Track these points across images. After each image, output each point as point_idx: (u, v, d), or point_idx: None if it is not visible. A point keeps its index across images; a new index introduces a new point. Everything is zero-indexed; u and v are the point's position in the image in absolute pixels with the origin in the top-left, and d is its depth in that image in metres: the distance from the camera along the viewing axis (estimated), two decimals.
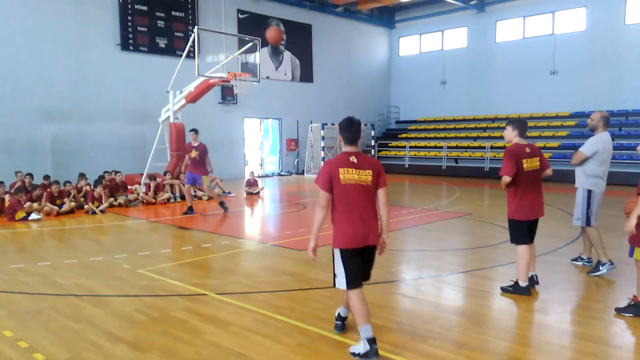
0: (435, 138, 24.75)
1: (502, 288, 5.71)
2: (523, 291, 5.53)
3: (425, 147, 24.29)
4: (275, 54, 22.92)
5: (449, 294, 5.78)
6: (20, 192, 11.08)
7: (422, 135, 25.67)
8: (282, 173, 23.07)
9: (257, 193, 15.41)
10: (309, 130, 23.23)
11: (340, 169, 4.09)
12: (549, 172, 5.75)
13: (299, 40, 23.77)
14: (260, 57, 22.10)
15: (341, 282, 4.20)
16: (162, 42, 18.86)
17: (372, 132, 24.85)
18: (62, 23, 16.46)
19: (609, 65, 20.73)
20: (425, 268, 6.83)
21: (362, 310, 4.05)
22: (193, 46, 13.82)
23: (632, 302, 4.93)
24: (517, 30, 23.63)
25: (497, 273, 6.53)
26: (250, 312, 5.12)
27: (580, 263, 6.78)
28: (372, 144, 24.90)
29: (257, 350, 4.23)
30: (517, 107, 23.30)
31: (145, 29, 18.51)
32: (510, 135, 5.61)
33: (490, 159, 21.33)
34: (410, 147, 24.50)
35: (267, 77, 22.55)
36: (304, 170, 23.42)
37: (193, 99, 14.14)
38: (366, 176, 4.10)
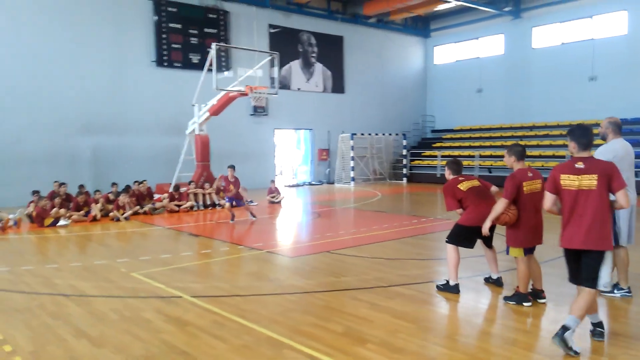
0: (470, 147, 24.42)
1: (437, 286, 6.20)
2: (452, 289, 6.00)
3: (459, 156, 23.98)
4: (307, 66, 23.39)
5: (412, 302, 5.86)
6: (44, 200, 11.92)
7: (457, 144, 25.39)
8: (313, 182, 23.42)
9: (279, 202, 15.79)
10: (339, 140, 23.48)
11: (562, 175, 4.43)
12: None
13: (330, 52, 24.16)
14: (292, 70, 22.78)
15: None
16: (195, 58, 19.70)
17: (404, 141, 24.79)
18: (102, 41, 17.59)
19: None
20: (407, 276, 6.92)
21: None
22: (220, 60, 14.42)
23: (515, 292, 5.60)
24: (555, 36, 23.04)
25: (475, 282, 6.54)
26: (213, 315, 5.43)
27: (619, 295, 5.85)
28: (404, 153, 24.85)
29: (201, 350, 4.52)
30: (554, 115, 22.69)
31: (180, 46, 19.43)
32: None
33: None
34: (442, 156, 24.27)
35: (299, 89, 23.08)
36: (334, 180, 23.67)
37: (216, 111, 14.75)
38: (589, 181, 4.32)
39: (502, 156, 6.59)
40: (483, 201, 5.94)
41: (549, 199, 4.53)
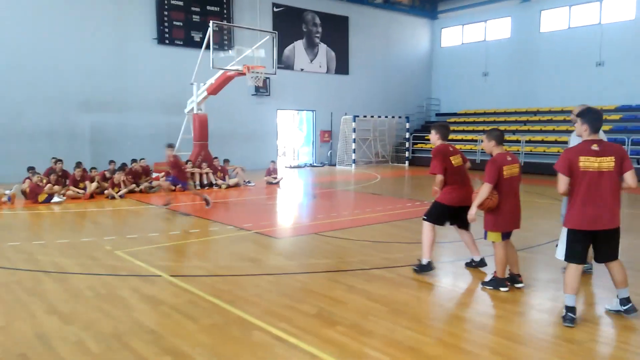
0: (473, 131, 24.15)
1: (413, 269, 6.17)
2: (426, 268, 6.06)
3: (462, 140, 23.75)
4: (311, 46, 23.14)
5: (390, 285, 5.80)
6: (38, 176, 11.95)
7: (461, 128, 25.12)
8: (315, 164, 23.33)
9: (277, 183, 15.75)
10: (342, 122, 23.31)
11: (580, 157, 4.50)
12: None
13: (335, 32, 23.86)
14: (295, 50, 22.55)
15: (559, 253, 4.68)
16: (197, 36, 19.51)
17: (407, 124, 24.58)
18: (103, 18, 17.44)
19: None
20: (389, 259, 6.87)
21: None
22: (223, 39, 14.27)
23: (493, 277, 5.58)
24: (563, 20, 22.59)
25: (455, 267, 6.48)
26: (189, 294, 5.42)
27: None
28: (407, 136, 24.65)
29: (170, 328, 4.51)
30: (561, 100, 22.35)
31: (181, 24, 19.24)
32: (488, 145, 5.55)
33: (525, 154, 20.59)
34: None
35: (302, 70, 22.87)
36: (336, 162, 23.57)
37: (214, 90, 14.64)
38: (608, 162, 4.45)
39: (507, 141, 6.57)
40: (467, 182, 6.10)
41: (564, 182, 4.56)
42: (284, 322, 4.67)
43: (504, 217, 5.39)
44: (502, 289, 5.48)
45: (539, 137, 21.23)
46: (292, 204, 12.93)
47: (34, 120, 16.23)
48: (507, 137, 22.44)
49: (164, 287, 5.64)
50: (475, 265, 6.30)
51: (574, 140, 5.84)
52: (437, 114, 28.03)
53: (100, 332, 4.41)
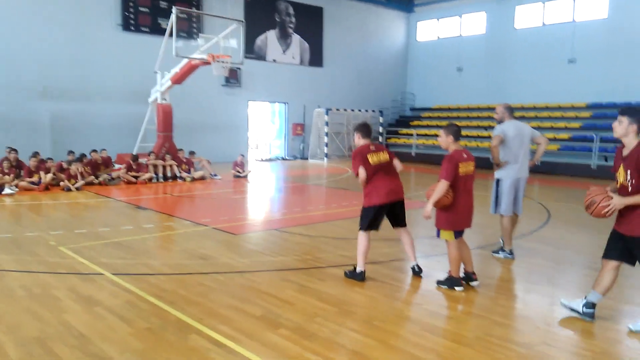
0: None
1: (345, 272, 5.81)
2: (358, 277, 5.62)
3: (435, 135, 23.67)
4: (284, 37, 22.75)
5: (343, 284, 5.57)
6: None
7: (434, 123, 25.03)
8: (287, 157, 23.01)
9: (245, 176, 15.40)
10: (314, 115, 23.03)
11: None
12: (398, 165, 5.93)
13: (309, 23, 23.51)
14: (267, 40, 22.13)
15: None
16: (164, 23, 18.81)
17: (381, 118, 24.41)
18: (60, 1, 16.72)
19: (630, 56, 19.61)
20: (347, 257, 6.63)
21: None
22: (192, 27, 13.80)
23: (448, 276, 5.44)
24: (537, 16, 22.62)
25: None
26: (129, 294, 5.10)
27: (502, 255, 6.79)
28: (381, 130, 24.48)
29: (100, 332, 4.20)
30: (533, 96, 22.41)
31: (148, 10, 18.65)
32: (445, 141, 5.36)
33: None
34: (418, 134, 23.96)
35: (274, 60, 22.48)
36: (308, 156, 23.27)
37: (178, 80, 14.21)
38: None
39: (479, 137, 6.72)
40: (389, 177, 5.67)
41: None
42: (225, 324, 4.40)
43: (458, 215, 5.25)
44: (457, 288, 5.34)
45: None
46: (257, 199, 12.61)
47: None
48: (479, 133, 22.49)
49: (103, 287, 5.31)
50: (416, 272, 5.79)
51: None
52: (411, 108, 27.95)
53: (24, 336, 4.08)
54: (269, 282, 5.58)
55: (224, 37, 14.43)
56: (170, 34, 13.55)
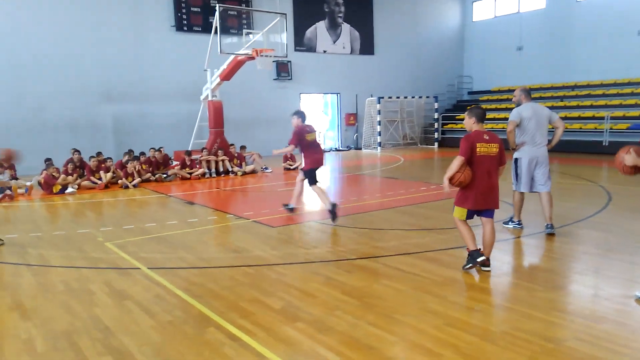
0: (506, 109, 23.11)
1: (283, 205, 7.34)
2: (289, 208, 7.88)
3: (495, 119, 22.78)
4: (333, 27, 22.61)
5: (371, 276, 5.46)
6: (53, 167, 12.11)
7: (494, 106, 24.09)
8: (340, 148, 22.94)
9: (295, 168, 15.50)
10: (366, 105, 22.78)
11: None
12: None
13: (358, 11, 23.23)
14: (317, 32, 22.10)
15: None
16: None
17: (436, 104, 23.78)
18: (121, 8, 17.51)
19: None
20: (381, 248, 6.51)
21: None
22: (242, 23, 14.03)
23: (468, 254, 5.42)
24: None
25: (451, 256, 6.06)
26: (160, 288, 5.25)
27: (511, 226, 7.26)
28: (436, 117, 23.86)
29: (124, 326, 4.34)
30: (600, 73, 21.06)
31: (199, 9, 19.11)
32: (468, 122, 5.49)
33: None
34: None
35: (325, 51, 22.41)
36: (362, 146, 23.08)
37: (226, 76, 14.46)
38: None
39: None
40: (320, 151, 8.51)
41: None
42: (244, 318, 4.43)
43: (475, 195, 5.27)
44: (478, 259, 5.34)
45: (575, 114, 20.12)
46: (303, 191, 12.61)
47: (56, 113, 16.53)
48: None
49: (137, 281, 5.50)
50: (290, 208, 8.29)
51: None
52: (469, 92, 27.04)
53: (53, 330, 4.29)
54: (296, 275, 5.57)
55: (269, 31, 14.53)
56: (217, 31, 13.76)
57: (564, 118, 19.94)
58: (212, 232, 7.86)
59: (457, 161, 5.17)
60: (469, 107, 5.49)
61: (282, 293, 5.01)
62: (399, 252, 6.29)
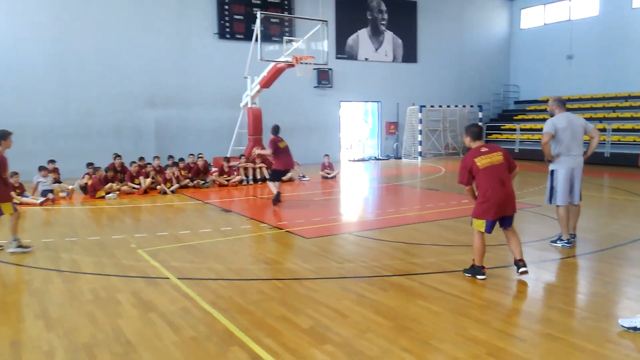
0: None
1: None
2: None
3: (542, 130, 21.87)
4: (376, 34, 22.35)
5: (406, 294, 5.14)
6: (99, 170, 12.30)
7: (541, 116, 23.21)
8: (380, 157, 22.57)
9: (333, 177, 15.27)
10: (407, 113, 22.34)
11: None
12: None
13: (402, 18, 22.90)
14: (359, 39, 21.88)
15: None
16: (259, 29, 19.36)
17: (480, 114, 23.11)
18: (165, 15, 17.81)
19: None
20: (417, 264, 6.18)
21: None
22: (284, 31, 13.98)
23: (472, 265, 5.59)
24: None
25: (489, 274, 5.67)
26: (187, 300, 5.10)
27: (560, 245, 6.89)
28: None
29: (147, 340, 4.19)
30: None
31: (242, 17, 19.22)
32: (466, 141, 5.76)
33: (612, 144, 18.56)
34: (522, 129, 22.33)
35: (366, 59, 22.16)
36: (402, 155, 22.63)
37: (266, 83, 14.41)
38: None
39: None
40: (289, 154, 10.84)
41: None
42: (270, 336, 4.21)
43: (490, 206, 5.34)
44: (478, 276, 5.49)
45: (628, 125, 19.11)
46: (339, 201, 12.38)
47: (102, 118, 16.89)
48: (594, 125, 20.39)
49: (164, 292, 5.36)
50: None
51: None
52: (515, 102, 26.22)
53: (75, 342, 4.18)
54: (327, 291, 5.32)
55: (310, 39, 14.40)
56: (257, 39, 13.74)
57: (616, 130, 19.02)
58: (245, 242, 7.70)
59: (466, 189, 5.65)
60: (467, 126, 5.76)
61: (311, 311, 4.76)
62: (437, 269, 5.95)
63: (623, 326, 4.21)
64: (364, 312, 4.69)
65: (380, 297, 5.07)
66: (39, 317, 4.75)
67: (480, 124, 23.13)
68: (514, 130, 22.66)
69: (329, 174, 15.28)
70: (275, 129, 10.86)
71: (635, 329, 4.16)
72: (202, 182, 13.76)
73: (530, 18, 25.43)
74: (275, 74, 14.07)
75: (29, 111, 15.77)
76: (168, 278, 5.82)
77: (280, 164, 10.69)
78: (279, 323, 4.49)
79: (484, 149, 5.50)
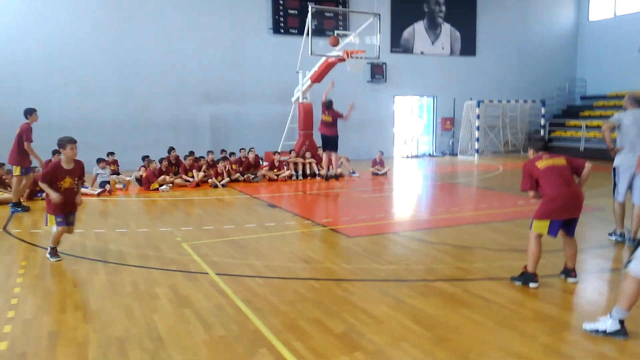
0: None
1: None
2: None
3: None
4: (432, 27, 21.74)
5: (447, 302, 4.87)
6: (154, 163, 12.60)
7: (610, 112, 21.82)
8: (434, 154, 21.99)
9: (384, 174, 14.99)
10: (464, 109, 21.62)
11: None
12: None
13: (460, 10, 22.15)
14: (415, 32, 21.38)
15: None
16: (312, 24, 19.25)
17: (542, 109, 22.04)
18: (220, 11, 18.02)
19: None
20: (464, 269, 5.88)
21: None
22: (338, 25, 13.83)
23: (523, 271, 5.31)
24: None
25: (540, 283, 5.30)
26: (222, 297, 5.07)
27: (613, 238, 7.09)
28: (542, 123, 22.11)
29: (177, 337, 4.17)
30: None
31: (296, 12, 19.17)
32: (529, 153, 5.63)
33: None
34: (588, 126, 21.11)
35: (422, 53, 21.62)
36: (458, 152, 21.94)
37: (317, 78, 14.30)
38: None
39: None
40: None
41: None
42: (300, 340, 4.09)
43: (552, 206, 5.13)
44: (531, 284, 5.20)
45: None
46: (388, 199, 12.10)
47: (158, 112, 17.35)
48: None
49: (201, 287, 5.36)
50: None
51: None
52: (582, 97, 24.81)
53: (108, 336, 4.21)
54: (365, 294, 5.14)
55: (363, 33, 14.15)
56: (309, 33, 13.62)
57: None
58: (287, 239, 7.62)
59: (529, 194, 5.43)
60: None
61: (346, 314, 4.60)
62: (485, 276, 5.64)
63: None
64: (401, 319, 4.48)
65: (419, 303, 4.84)
66: (78, 307, 4.85)
67: (542, 120, 22.10)
68: (580, 127, 21.46)
69: (379, 170, 15.02)
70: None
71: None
72: (253, 176, 13.84)
73: (600, 9, 23.95)
74: (326, 68, 13.93)
75: (91, 106, 16.42)
76: (207, 273, 5.83)
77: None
78: (311, 326, 4.36)
79: (545, 156, 5.35)
